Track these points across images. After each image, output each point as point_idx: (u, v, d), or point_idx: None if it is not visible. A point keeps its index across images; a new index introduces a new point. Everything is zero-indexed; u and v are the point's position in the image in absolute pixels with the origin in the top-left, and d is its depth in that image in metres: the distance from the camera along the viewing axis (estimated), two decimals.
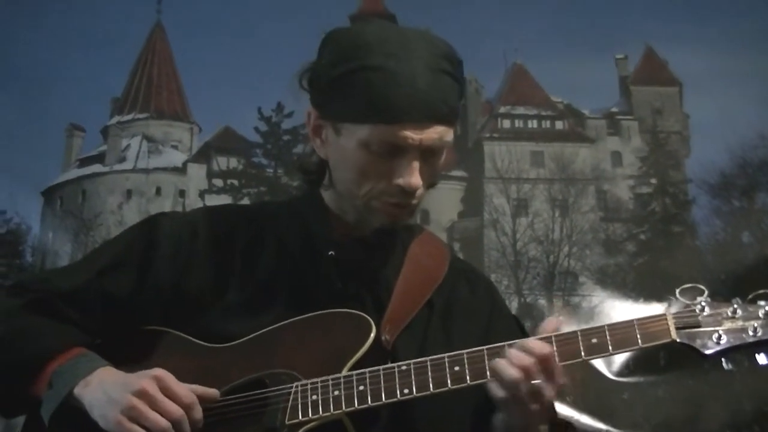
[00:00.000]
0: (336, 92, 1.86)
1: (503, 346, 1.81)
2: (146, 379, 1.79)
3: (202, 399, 1.81)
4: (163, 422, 1.76)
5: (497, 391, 1.77)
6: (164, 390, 1.78)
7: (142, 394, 1.76)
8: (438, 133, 1.85)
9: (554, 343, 1.79)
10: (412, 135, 1.83)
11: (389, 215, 1.91)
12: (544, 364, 1.76)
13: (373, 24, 1.90)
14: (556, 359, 1.77)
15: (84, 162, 64.14)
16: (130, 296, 1.94)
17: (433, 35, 1.91)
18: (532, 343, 1.78)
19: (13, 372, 1.87)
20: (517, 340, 1.81)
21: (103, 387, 1.81)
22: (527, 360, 1.76)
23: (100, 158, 63.48)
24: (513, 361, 1.76)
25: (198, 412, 1.79)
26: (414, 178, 1.86)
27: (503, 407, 1.80)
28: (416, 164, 1.86)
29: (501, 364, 1.77)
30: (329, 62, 1.88)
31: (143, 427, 1.75)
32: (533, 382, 1.75)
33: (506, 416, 1.82)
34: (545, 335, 1.81)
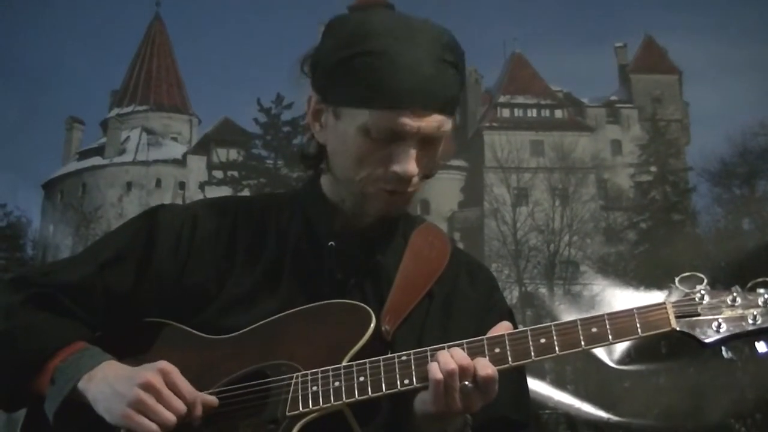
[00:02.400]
0: (338, 77, 1.86)
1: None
2: (152, 372, 1.79)
3: (203, 404, 1.82)
4: (170, 416, 1.76)
5: (436, 373, 1.76)
6: (169, 384, 1.78)
7: (148, 387, 1.77)
8: (437, 122, 1.85)
9: (466, 351, 1.79)
10: (412, 122, 1.83)
11: (384, 202, 1.91)
12: (462, 373, 1.75)
13: (377, 12, 1.89)
14: (480, 372, 1.76)
15: (84, 155, 64.09)
16: (132, 290, 1.94)
17: (436, 24, 1.91)
18: (447, 355, 1.77)
19: (15, 369, 1.87)
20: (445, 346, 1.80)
21: (108, 381, 1.81)
22: (452, 365, 1.76)
23: (99, 151, 63.43)
24: (440, 361, 1.77)
25: (199, 409, 1.80)
26: (410, 165, 1.86)
27: (431, 392, 1.78)
28: (413, 152, 1.86)
29: (444, 354, 1.77)
30: (332, 47, 1.87)
31: (151, 420, 1.76)
32: (464, 383, 1.75)
33: (428, 403, 1.79)
34: (496, 335, 1.82)
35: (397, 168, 1.86)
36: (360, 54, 1.82)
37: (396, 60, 1.81)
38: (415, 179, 1.89)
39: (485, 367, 1.77)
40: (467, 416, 1.84)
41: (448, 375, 1.75)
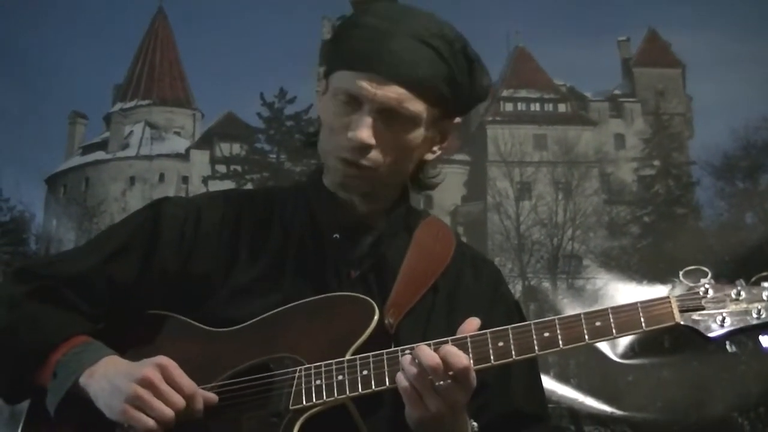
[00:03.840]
0: (329, 46, 1.93)
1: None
2: (149, 367, 1.79)
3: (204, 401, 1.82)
4: (168, 411, 1.76)
5: (401, 381, 1.76)
6: (167, 379, 1.78)
7: (145, 383, 1.77)
8: (397, 94, 1.86)
9: (469, 345, 1.77)
10: (368, 87, 1.85)
11: (341, 173, 1.92)
12: (433, 374, 1.72)
13: (386, 2, 1.95)
14: (454, 366, 1.73)
15: (87, 149, 64.02)
16: (135, 282, 1.95)
17: (438, 19, 1.93)
18: (408, 360, 1.75)
19: (18, 361, 1.88)
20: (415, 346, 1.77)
21: (108, 377, 1.81)
22: (415, 368, 1.73)
23: (103, 145, 63.37)
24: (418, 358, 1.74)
25: (199, 402, 1.80)
26: (363, 132, 1.87)
27: (405, 399, 1.77)
28: (368, 120, 1.87)
29: (406, 359, 1.76)
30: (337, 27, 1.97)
31: (148, 415, 1.76)
32: (439, 382, 1.73)
33: (408, 409, 1.78)
34: (461, 336, 1.79)
35: (350, 134, 1.88)
36: (347, 25, 1.92)
37: (372, 29, 1.87)
38: (374, 153, 1.89)
39: (456, 356, 1.74)
40: (473, 424, 1.84)
41: (414, 379, 1.74)
